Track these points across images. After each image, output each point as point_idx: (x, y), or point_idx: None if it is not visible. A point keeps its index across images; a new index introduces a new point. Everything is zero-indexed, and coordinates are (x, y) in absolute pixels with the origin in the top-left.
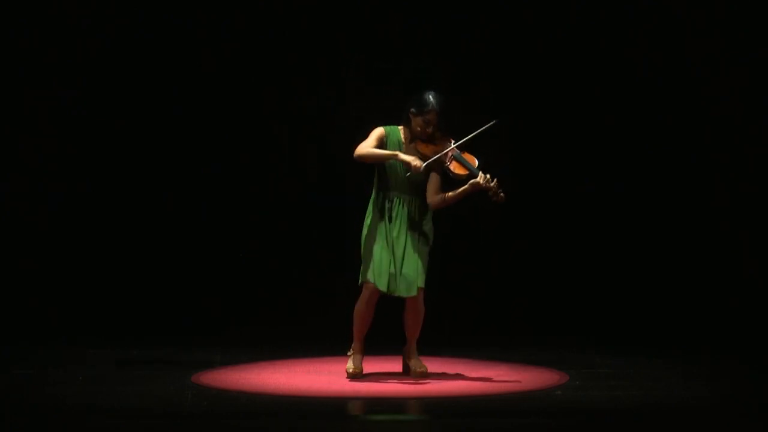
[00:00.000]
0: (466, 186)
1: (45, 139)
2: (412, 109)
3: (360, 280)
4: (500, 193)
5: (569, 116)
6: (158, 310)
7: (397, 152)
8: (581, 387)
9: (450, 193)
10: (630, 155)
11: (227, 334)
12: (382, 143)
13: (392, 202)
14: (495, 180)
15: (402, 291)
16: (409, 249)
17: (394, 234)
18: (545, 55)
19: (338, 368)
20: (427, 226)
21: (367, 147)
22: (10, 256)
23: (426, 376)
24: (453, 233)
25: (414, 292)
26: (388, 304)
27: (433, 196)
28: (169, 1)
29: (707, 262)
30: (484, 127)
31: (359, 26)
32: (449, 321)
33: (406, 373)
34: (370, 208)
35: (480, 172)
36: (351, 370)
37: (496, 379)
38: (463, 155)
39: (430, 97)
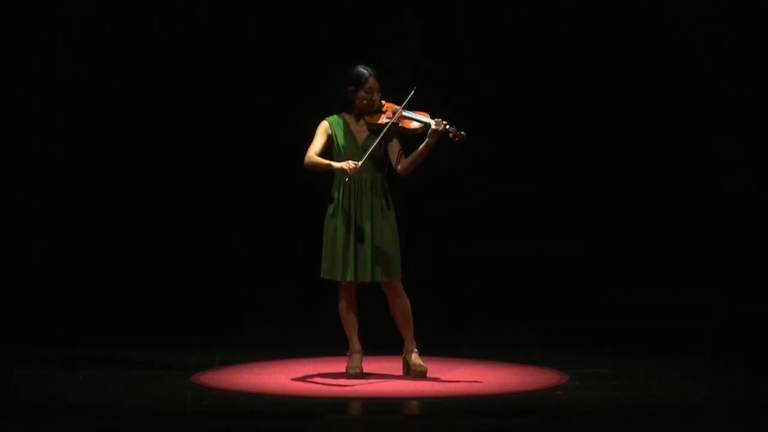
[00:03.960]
0: (427, 138)
1: (44, 140)
2: (350, 87)
3: (321, 276)
4: (461, 132)
5: (565, 113)
6: (158, 310)
7: (330, 162)
8: (581, 387)
9: (414, 152)
10: (631, 152)
11: (227, 334)
12: (328, 136)
13: (351, 185)
14: (452, 124)
15: (368, 276)
16: (374, 233)
17: (357, 218)
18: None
19: (338, 368)
20: (390, 206)
21: (311, 156)
22: (10, 256)
23: (426, 376)
24: (453, 233)
25: (379, 278)
26: (386, 305)
27: (400, 163)
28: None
29: (707, 262)
30: (408, 97)
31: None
32: (450, 321)
33: (406, 373)
34: (329, 195)
35: (434, 120)
36: (351, 370)
37: (496, 379)
38: (413, 112)
39: (362, 68)
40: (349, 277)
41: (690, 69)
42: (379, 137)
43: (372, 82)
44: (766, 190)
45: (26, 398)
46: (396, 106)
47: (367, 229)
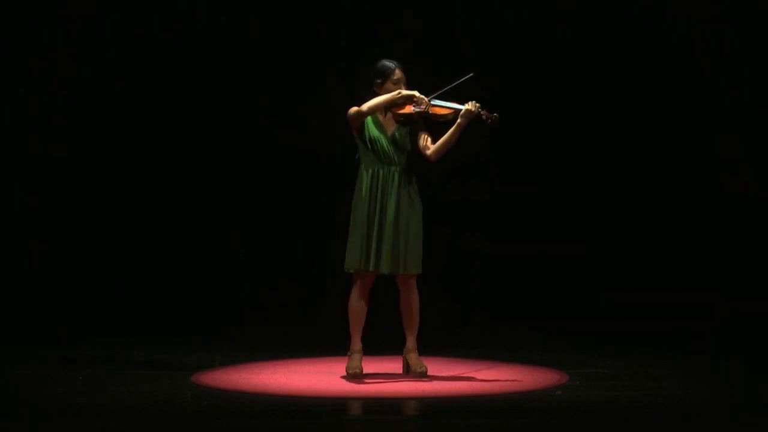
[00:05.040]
0: (459, 120)
1: (44, 140)
2: (377, 80)
3: (345, 268)
4: (493, 114)
5: (565, 113)
6: (158, 310)
7: (400, 90)
8: (581, 387)
9: (444, 136)
10: (631, 152)
11: (227, 334)
12: (362, 122)
13: (378, 175)
14: (484, 107)
15: (387, 267)
16: (402, 225)
17: (382, 209)
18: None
19: (338, 368)
20: (417, 199)
21: (366, 103)
22: (10, 256)
23: (426, 375)
24: (453, 233)
25: (386, 270)
26: (388, 304)
27: (429, 149)
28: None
29: (707, 262)
30: (460, 81)
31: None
32: (449, 321)
33: (406, 373)
34: (357, 187)
35: (467, 103)
36: (351, 370)
37: (496, 379)
38: (441, 101)
39: (387, 62)
40: (372, 267)
41: (690, 69)
42: (413, 120)
43: (399, 73)
44: (766, 190)
45: (26, 398)
46: (422, 97)
47: (394, 220)
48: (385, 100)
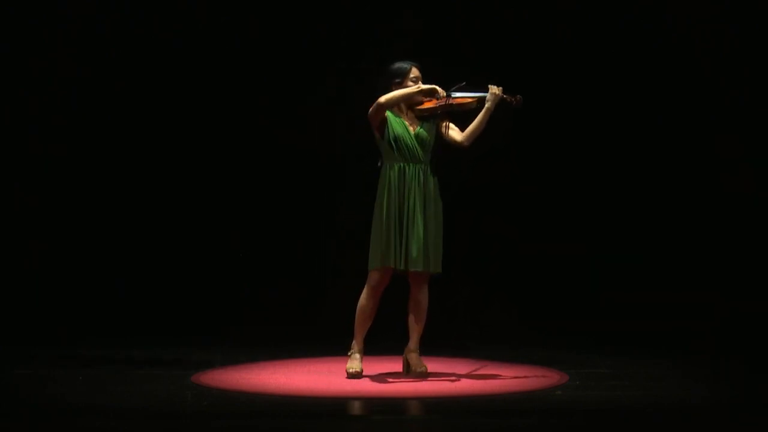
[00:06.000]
0: (486, 104)
1: (45, 140)
2: (396, 80)
3: (370, 266)
4: (517, 96)
5: (565, 113)
6: (158, 310)
7: (419, 84)
8: (581, 387)
9: (474, 122)
10: (631, 152)
11: (227, 334)
12: (384, 117)
13: (402, 172)
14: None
15: (418, 265)
16: (427, 222)
17: (406, 206)
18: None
19: (338, 368)
20: (438, 196)
21: (385, 95)
22: (10, 256)
23: (426, 375)
24: (454, 232)
25: (420, 268)
26: (388, 304)
27: (459, 137)
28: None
29: (707, 262)
30: (453, 88)
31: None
32: (449, 321)
33: (407, 373)
34: (380, 185)
35: (488, 87)
36: (351, 370)
37: (496, 379)
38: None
39: (401, 62)
40: (401, 266)
41: (690, 69)
42: (437, 114)
43: (415, 71)
44: (766, 190)
45: (26, 398)
46: (442, 91)
47: (423, 217)
48: (403, 93)
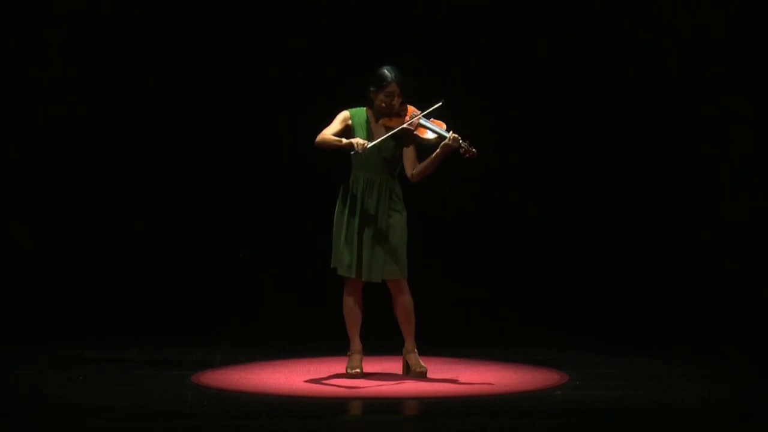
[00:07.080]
0: (437, 149)
1: (43, 139)
2: (372, 88)
3: (331, 265)
4: (472, 149)
5: (565, 113)
6: (158, 310)
7: (341, 139)
8: (581, 387)
9: (426, 161)
10: (631, 152)
11: (227, 334)
12: (346, 126)
13: (362, 182)
14: (466, 140)
15: (373, 276)
16: (381, 232)
17: (365, 216)
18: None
19: (338, 368)
20: (400, 207)
21: (324, 134)
22: (10, 256)
23: (426, 376)
24: (455, 233)
25: (379, 279)
26: (388, 304)
27: (411, 169)
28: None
29: (707, 262)
30: (431, 109)
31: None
32: (449, 320)
33: (406, 373)
34: (341, 191)
35: (449, 133)
36: (351, 370)
37: (496, 379)
38: (430, 121)
39: (386, 71)
40: (355, 275)
41: (690, 69)
42: (390, 133)
43: (393, 87)
44: (766, 191)
45: (26, 398)
46: (416, 111)
47: (376, 227)
48: (331, 145)
